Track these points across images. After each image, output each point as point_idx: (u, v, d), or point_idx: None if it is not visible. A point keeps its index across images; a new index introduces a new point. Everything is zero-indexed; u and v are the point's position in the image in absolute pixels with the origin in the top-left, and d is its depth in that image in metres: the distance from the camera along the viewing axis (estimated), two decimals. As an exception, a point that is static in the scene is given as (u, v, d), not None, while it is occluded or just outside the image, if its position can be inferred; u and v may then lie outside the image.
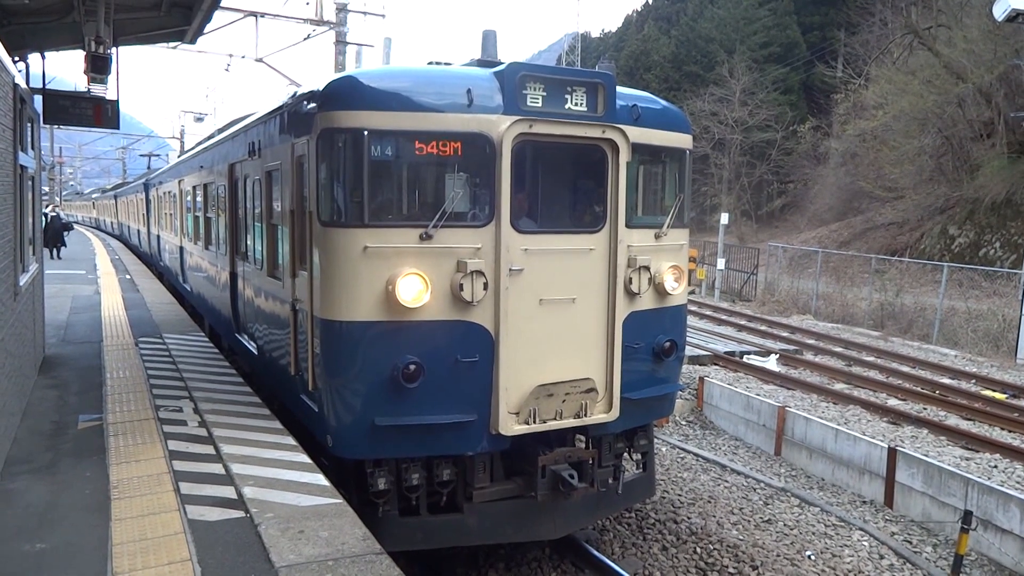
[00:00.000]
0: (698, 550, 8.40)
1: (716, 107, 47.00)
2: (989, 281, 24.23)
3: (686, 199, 7.52)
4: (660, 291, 7.19)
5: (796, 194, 48.00)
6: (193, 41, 12.48)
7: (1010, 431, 12.52)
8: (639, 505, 9.18)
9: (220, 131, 13.08)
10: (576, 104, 6.51)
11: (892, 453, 10.08)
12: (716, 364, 17.02)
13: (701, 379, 14.53)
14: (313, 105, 6.40)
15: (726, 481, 10.71)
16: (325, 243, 6.21)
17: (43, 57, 11.07)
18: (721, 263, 29.84)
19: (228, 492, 5.80)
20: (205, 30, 11.87)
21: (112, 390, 8.78)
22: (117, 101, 11.47)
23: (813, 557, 8.51)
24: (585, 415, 6.74)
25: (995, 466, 10.66)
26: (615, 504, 7.81)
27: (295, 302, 7.10)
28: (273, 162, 7.78)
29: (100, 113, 11.27)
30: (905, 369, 17.00)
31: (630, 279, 6.86)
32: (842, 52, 48.82)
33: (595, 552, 7.87)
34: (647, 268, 6.95)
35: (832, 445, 11.10)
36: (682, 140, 7.51)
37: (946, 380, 15.97)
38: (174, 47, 16.43)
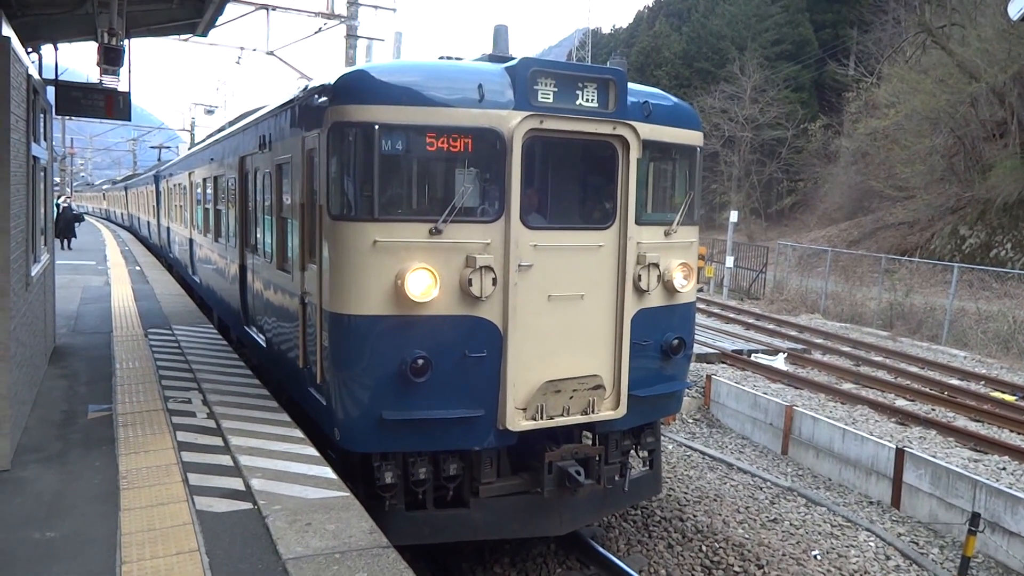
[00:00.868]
0: (704, 548, 8.39)
1: (727, 104, 46.81)
2: (1000, 282, 24.09)
3: (696, 197, 7.50)
4: (669, 288, 7.17)
5: (806, 192, 47.79)
6: (205, 34, 12.48)
7: (1019, 433, 12.45)
8: (645, 502, 9.18)
9: (231, 124, 13.15)
10: (587, 100, 6.49)
11: (900, 454, 10.04)
12: (724, 362, 16.98)
13: (708, 377, 14.51)
14: (324, 99, 6.41)
15: (732, 479, 10.70)
16: (335, 237, 6.21)
17: (56, 48, 11.10)
18: (730, 261, 29.75)
19: (236, 484, 5.83)
20: (217, 23, 11.87)
21: (121, 381, 8.83)
22: (129, 93, 11.49)
23: (819, 557, 8.50)
24: (592, 412, 6.73)
25: (1004, 468, 10.61)
26: (621, 501, 7.81)
27: (304, 295, 7.11)
28: (284, 155, 7.78)
29: (112, 104, 11.29)
30: (914, 370, 16.92)
31: (639, 276, 6.85)
32: (854, 50, 48.52)
33: (600, 549, 7.88)
34: (656, 265, 6.94)
35: (839, 445, 11.07)
36: (693, 137, 7.49)
37: (955, 381, 15.90)
38: (186, 39, 16.47)
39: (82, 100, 11.10)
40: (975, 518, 8.01)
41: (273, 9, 18.96)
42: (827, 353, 18.86)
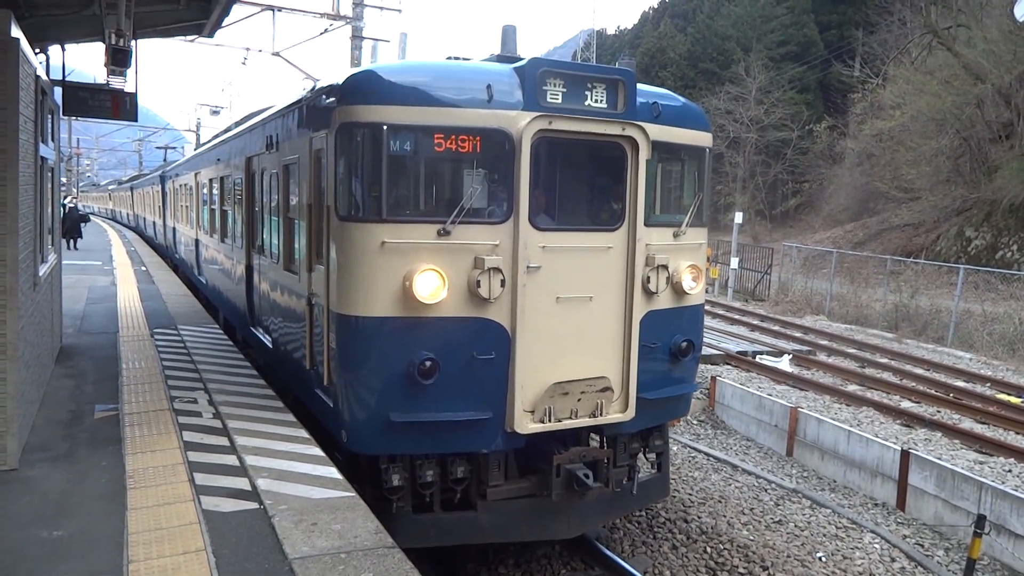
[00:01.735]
0: (708, 550, 8.39)
1: (732, 105, 46.74)
2: (1006, 284, 24.02)
3: (705, 198, 7.47)
4: (678, 290, 7.13)
5: (811, 194, 47.69)
6: (211, 35, 12.55)
7: (1025, 435, 12.42)
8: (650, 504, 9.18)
9: (237, 124, 13.10)
10: (596, 101, 6.46)
11: (905, 456, 10.02)
12: (728, 364, 16.97)
13: (713, 378, 14.50)
14: (332, 99, 6.38)
15: (737, 481, 10.69)
16: (342, 238, 6.19)
17: (63, 49, 11.16)
18: (735, 262, 29.72)
19: (242, 483, 5.85)
20: (223, 24, 11.93)
21: (128, 380, 8.86)
22: (135, 93, 11.55)
23: (824, 559, 8.49)
24: (600, 414, 6.68)
25: (1009, 470, 10.59)
26: (629, 504, 7.78)
27: (311, 296, 7.08)
28: (291, 156, 7.76)
29: (118, 105, 11.35)
30: (919, 371, 16.89)
31: (648, 278, 6.81)
32: (860, 51, 48.39)
33: (605, 550, 7.89)
34: (665, 267, 6.91)
35: (844, 447, 11.05)
36: (702, 138, 7.45)
37: (961, 383, 15.86)
38: (192, 40, 16.52)
39: (89, 101, 11.17)
40: (981, 520, 7.99)
41: (279, 10, 19.02)
42: (832, 355, 18.82)
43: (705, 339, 17.63)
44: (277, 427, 7.26)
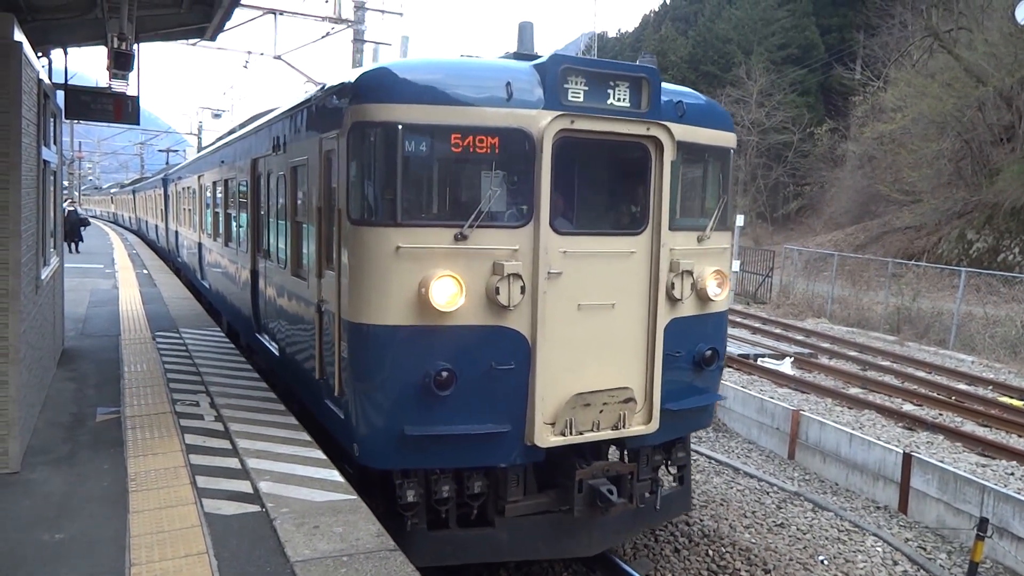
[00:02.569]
0: (710, 553, 8.38)
1: (733, 108, 46.62)
2: (1007, 287, 24.00)
3: (729, 201, 7.26)
4: (702, 297, 6.90)
5: (812, 197, 47.68)
6: (213, 38, 12.56)
7: (1027, 438, 12.40)
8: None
9: (242, 126, 12.99)
10: (619, 99, 6.22)
11: (907, 459, 10.01)
12: (730, 366, 16.95)
13: (715, 381, 14.47)
14: (344, 98, 6.18)
15: (739, 484, 10.68)
16: (355, 242, 5.95)
17: (66, 53, 11.17)
18: (736, 265, 29.69)
19: (244, 486, 5.85)
20: (225, 27, 11.95)
21: (130, 383, 8.86)
22: (137, 97, 11.57)
23: (826, 562, 8.47)
24: (623, 426, 6.43)
25: (1012, 473, 10.57)
26: (652, 519, 7.56)
27: (321, 303, 6.86)
28: (299, 157, 7.56)
29: (120, 108, 11.36)
30: (921, 374, 16.88)
31: (672, 284, 6.58)
32: (861, 54, 48.42)
33: (607, 553, 7.87)
34: (690, 273, 6.67)
35: (846, 450, 11.04)
36: (726, 139, 7.23)
37: (962, 386, 15.84)
38: (194, 44, 16.55)
39: (91, 104, 11.18)
40: (983, 523, 7.98)
41: (281, 13, 19.08)
42: (834, 357, 18.81)
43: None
44: (279, 430, 7.26)
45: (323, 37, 20.17)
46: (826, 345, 20.16)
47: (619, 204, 6.99)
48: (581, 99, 6.09)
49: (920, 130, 34.47)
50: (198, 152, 25.97)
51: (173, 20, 11.01)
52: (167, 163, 48.54)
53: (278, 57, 20.33)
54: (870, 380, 16.13)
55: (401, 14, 20.68)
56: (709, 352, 6.97)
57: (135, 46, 10.17)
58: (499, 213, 6.07)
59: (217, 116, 43.66)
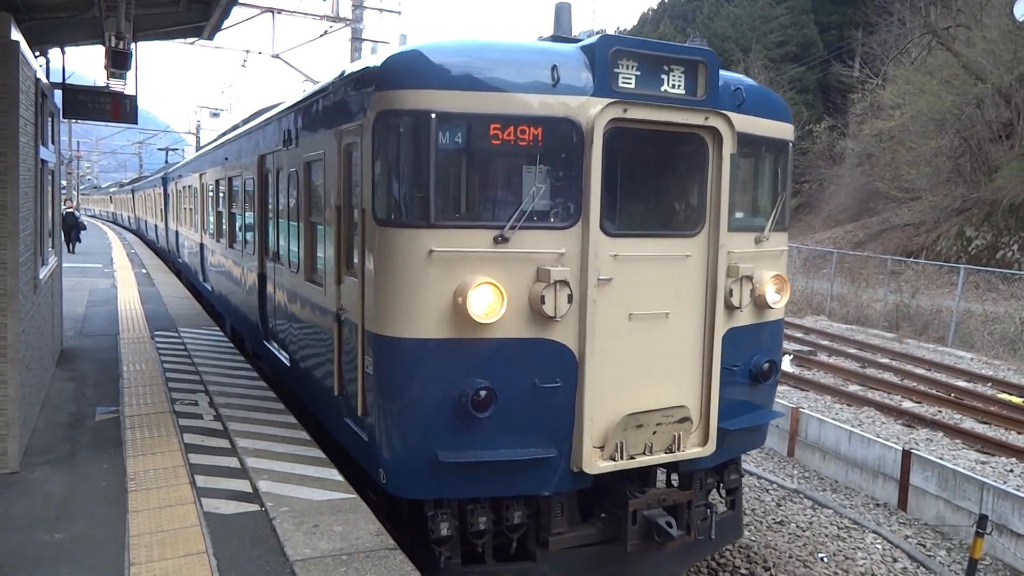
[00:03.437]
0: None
1: (731, 106, 46.71)
2: (1006, 284, 24.03)
3: (787, 198, 6.74)
4: (760, 304, 6.31)
5: (811, 194, 47.68)
6: (211, 37, 12.56)
7: (1026, 435, 12.42)
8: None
9: (246, 121, 12.59)
10: (674, 86, 5.63)
11: (906, 456, 10.01)
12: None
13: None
14: (368, 84, 5.58)
15: (738, 482, 10.68)
16: (382, 245, 5.38)
17: (63, 52, 11.17)
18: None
19: (243, 486, 5.85)
20: (223, 26, 11.94)
21: (129, 383, 8.86)
22: (135, 96, 11.56)
23: (826, 559, 8.48)
24: (678, 449, 5.83)
25: (1011, 470, 10.58)
26: (705, 549, 6.92)
27: (340, 312, 6.26)
28: (314, 152, 6.99)
29: (118, 108, 11.36)
30: (920, 371, 16.89)
31: (731, 291, 6.00)
32: (859, 52, 48.42)
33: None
34: (749, 278, 6.08)
35: (846, 447, 11.04)
36: (784, 130, 6.70)
37: (962, 383, 15.86)
38: (192, 43, 16.53)
39: (89, 103, 11.18)
40: (982, 520, 7.98)
41: (278, 12, 19.04)
42: (833, 355, 18.82)
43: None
44: (278, 429, 7.26)
45: (321, 36, 20.12)
46: (825, 342, 20.17)
47: (672, 202, 6.39)
48: (632, 85, 5.50)
49: (919, 127, 34.48)
50: (198, 150, 25.87)
51: (171, 19, 11.00)
52: (166, 162, 48.48)
53: (276, 56, 20.30)
54: (869, 377, 16.14)
55: (399, 12, 20.61)
56: (767, 365, 6.42)
57: (133, 45, 10.17)
58: (543, 212, 5.49)
59: (215, 115, 43.62)
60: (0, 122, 6.01)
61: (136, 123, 12.27)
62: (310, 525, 5.17)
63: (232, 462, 6.35)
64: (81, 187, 78.31)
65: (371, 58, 5.92)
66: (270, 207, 9.13)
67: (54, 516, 5.38)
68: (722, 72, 6.02)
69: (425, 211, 5.20)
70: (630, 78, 5.50)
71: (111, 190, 70.69)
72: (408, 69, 5.32)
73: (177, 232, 20.59)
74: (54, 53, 11.12)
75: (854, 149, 42.13)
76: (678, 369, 5.92)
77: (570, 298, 5.31)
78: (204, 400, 8.18)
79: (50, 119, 9.09)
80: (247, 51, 21.79)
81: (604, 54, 5.41)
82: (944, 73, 34.14)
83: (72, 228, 28.38)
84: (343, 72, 6.40)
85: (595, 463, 5.55)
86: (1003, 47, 30.92)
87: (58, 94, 10.36)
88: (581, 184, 5.40)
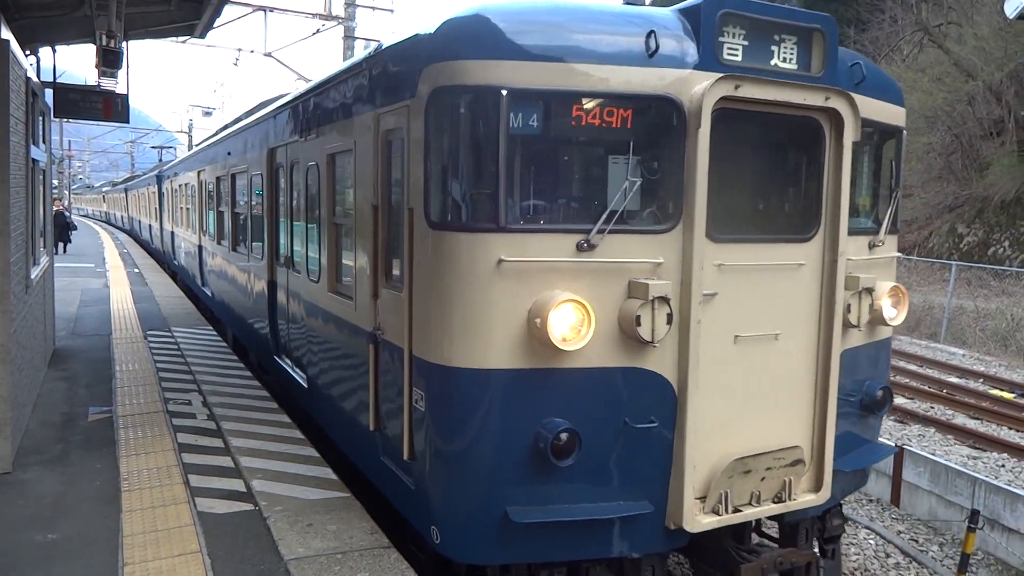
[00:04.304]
0: (704, 547, 8.39)
1: (724, 104, 46.78)
2: (998, 280, 24.14)
3: (900, 195, 5.82)
4: (875, 320, 5.41)
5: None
6: (203, 35, 12.51)
7: (1018, 430, 12.47)
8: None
9: (249, 113, 11.90)
10: (784, 59, 4.67)
11: (899, 451, 10.06)
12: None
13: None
14: (417, 56, 4.63)
15: (732, 478, 10.71)
16: (436, 254, 4.41)
17: (54, 51, 11.12)
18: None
19: (237, 485, 5.85)
20: (215, 24, 11.90)
21: (121, 383, 8.84)
22: (127, 95, 11.52)
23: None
24: (788, 497, 4.88)
25: (1002, 465, 10.64)
26: None
27: (377, 332, 5.26)
28: (341, 142, 5.99)
29: (109, 107, 11.32)
30: (912, 368, 16.96)
31: (848, 306, 5.10)
32: (851, 48, 48.60)
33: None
34: (870, 291, 5.22)
35: (839, 443, 11.08)
36: (899, 115, 5.75)
37: (954, 379, 15.93)
38: (183, 41, 16.46)
39: (80, 102, 11.14)
40: (974, 515, 8.02)
41: (271, 11, 18.97)
42: (826, 352, 18.85)
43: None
44: (271, 428, 7.26)
45: (313, 34, 20.07)
46: (818, 339, 20.21)
47: (782, 201, 5.34)
48: (739, 57, 4.53)
49: (910, 124, 34.43)
50: (190, 149, 25.64)
51: (162, 17, 10.96)
52: (160, 160, 48.30)
53: (268, 54, 20.24)
54: (862, 374, 16.19)
55: (391, 10, 20.55)
56: (881, 393, 5.49)
57: (124, 44, 10.13)
58: (635, 213, 4.51)
59: (208, 114, 43.55)
60: (-9, 121, 5.99)
61: (128, 122, 12.23)
62: (304, 524, 5.17)
63: (226, 461, 6.34)
64: (74, 187, 78.06)
65: (420, 25, 4.88)
66: (282, 207, 8.18)
67: (47, 516, 5.36)
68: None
69: (493, 211, 4.22)
70: (736, 49, 4.53)
71: (104, 189, 70.40)
72: (472, 35, 4.33)
73: (173, 233, 19.99)
74: (45, 52, 11.08)
75: (846, 146, 42.20)
76: (790, 401, 5.01)
77: (669, 318, 4.36)
78: (197, 400, 8.17)
79: (41, 118, 9.06)
80: (239, 50, 21.74)
81: (711, 17, 4.41)
82: (935, 70, 34.29)
83: (61, 228, 28.12)
84: (380, 45, 5.41)
85: (696, 519, 4.58)
86: (994, 44, 31.06)
87: (49, 93, 10.32)
88: (683, 178, 4.42)
